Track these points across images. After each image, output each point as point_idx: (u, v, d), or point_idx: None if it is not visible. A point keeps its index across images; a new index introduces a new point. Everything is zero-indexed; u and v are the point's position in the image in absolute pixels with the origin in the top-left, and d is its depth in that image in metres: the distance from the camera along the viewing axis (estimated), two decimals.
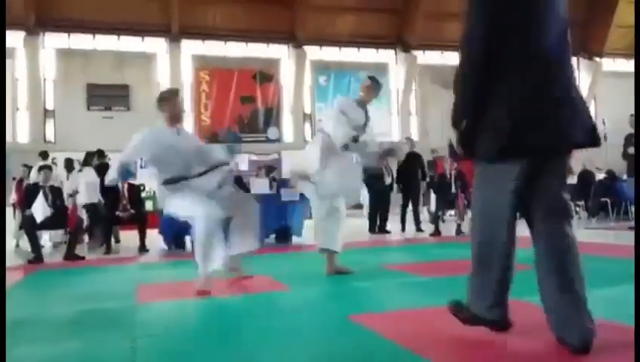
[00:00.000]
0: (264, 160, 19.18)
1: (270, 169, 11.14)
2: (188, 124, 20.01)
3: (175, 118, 4.29)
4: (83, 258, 6.97)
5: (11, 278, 5.18)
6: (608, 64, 23.28)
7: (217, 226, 3.92)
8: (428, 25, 20.92)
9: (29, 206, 6.83)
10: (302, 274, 4.83)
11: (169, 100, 4.29)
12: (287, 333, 2.66)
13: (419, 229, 9.38)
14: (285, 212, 8.81)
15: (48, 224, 7.06)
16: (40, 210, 6.72)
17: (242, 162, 19.31)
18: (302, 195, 9.22)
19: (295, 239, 8.88)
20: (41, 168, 7.37)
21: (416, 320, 2.83)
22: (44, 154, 9.78)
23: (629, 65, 22.88)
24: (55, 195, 7.07)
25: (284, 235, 8.89)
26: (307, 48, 20.63)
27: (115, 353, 2.40)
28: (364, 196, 9.66)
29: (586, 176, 12.25)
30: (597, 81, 22.94)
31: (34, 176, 8.18)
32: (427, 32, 21.02)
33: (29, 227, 6.76)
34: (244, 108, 20.36)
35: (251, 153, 20.08)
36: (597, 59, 23.03)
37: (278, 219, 8.79)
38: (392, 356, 2.22)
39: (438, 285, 3.88)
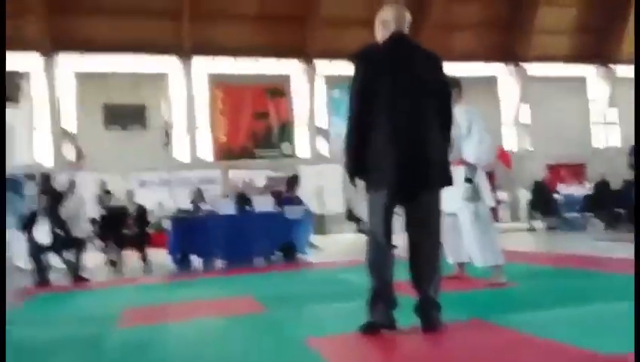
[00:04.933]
0: (281, 176, 19.36)
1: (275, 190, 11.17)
2: (205, 141, 20.32)
3: None
4: (88, 279, 7.12)
5: (14, 302, 5.34)
6: (535, 69, 23.00)
7: None
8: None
9: (29, 230, 7.02)
10: (285, 294, 4.84)
11: None
12: (239, 358, 2.70)
13: None
14: (290, 229, 8.84)
15: (53, 247, 7.24)
16: (44, 232, 6.92)
17: (258, 177, 19.55)
18: (307, 212, 9.31)
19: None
20: (42, 193, 7.58)
21: (374, 343, 2.84)
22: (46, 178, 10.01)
23: (556, 71, 23.04)
24: (57, 218, 7.24)
25: (290, 253, 8.91)
26: (318, 62, 20.75)
27: None
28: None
29: (601, 186, 12.06)
30: (524, 87, 22.85)
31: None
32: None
33: (34, 251, 6.95)
34: (258, 125, 20.53)
35: (268, 169, 20.26)
36: (523, 65, 22.86)
37: (284, 237, 8.82)
38: None
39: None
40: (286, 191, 10.25)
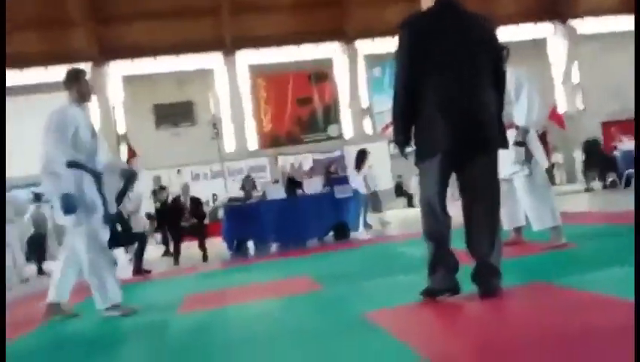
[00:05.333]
0: (326, 157, 19.39)
1: (328, 171, 11.25)
2: (250, 130, 20.56)
3: (84, 97, 4.13)
4: (149, 271, 7.36)
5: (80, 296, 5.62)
6: (584, 26, 21.90)
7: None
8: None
9: None
10: (341, 271, 4.87)
11: (79, 77, 4.11)
12: (299, 336, 2.73)
13: None
14: (341, 209, 8.84)
15: (113, 243, 7.50)
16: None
17: (306, 161, 19.69)
18: (356, 191, 9.28)
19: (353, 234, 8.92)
20: None
21: (435, 311, 2.84)
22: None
23: (606, 26, 21.76)
24: (117, 215, 7.49)
25: (342, 232, 8.91)
26: (358, 42, 20.57)
27: None
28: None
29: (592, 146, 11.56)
30: (574, 46, 21.86)
31: None
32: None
33: None
34: (303, 110, 20.61)
35: (314, 152, 20.35)
36: (573, 21, 21.71)
37: (335, 217, 8.83)
38: (387, 354, 2.22)
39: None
40: (355, 168, 10.31)
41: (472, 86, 2.87)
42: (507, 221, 4.86)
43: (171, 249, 10.10)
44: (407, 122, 2.95)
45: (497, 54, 3.05)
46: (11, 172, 16.12)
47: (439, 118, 2.82)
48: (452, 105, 2.83)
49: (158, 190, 10.71)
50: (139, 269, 7.28)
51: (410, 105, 2.91)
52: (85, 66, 19.29)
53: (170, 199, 9.45)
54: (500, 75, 3.04)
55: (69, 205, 3.72)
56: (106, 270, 3.94)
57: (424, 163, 2.92)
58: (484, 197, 2.94)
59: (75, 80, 4.11)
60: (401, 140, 2.98)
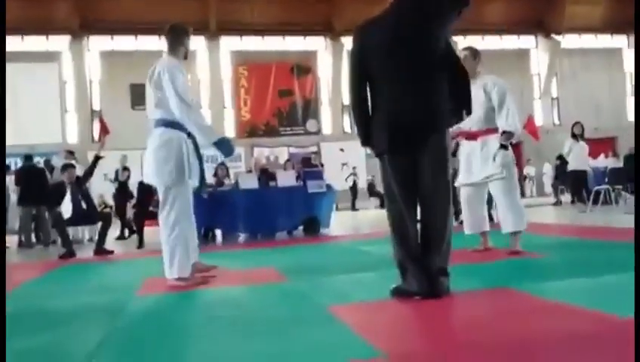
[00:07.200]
0: (303, 152, 19.32)
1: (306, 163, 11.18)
2: (228, 119, 20.36)
3: (186, 55, 4.06)
4: (112, 252, 7.19)
5: (36, 272, 5.47)
6: (568, 42, 22.56)
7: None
8: None
9: (58, 204, 7.11)
10: (307, 265, 4.82)
11: (189, 34, 4.02)
12: (256, 322, 2.67)
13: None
14: (312, 204, 8.79)
15: (78, 220, 7.33)
16: (68, 207, 7.02)
17: (282, 154, 19.57)
18: (329, 186, 9.23)
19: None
20: (64, 167, 7.63)
21: (395, 310, 2.79)
22: (70, 153, 10.10)
23: (589, 43, 22.60)
24: (82, 192, 7.32)
25: (312, 227, 8.86)
26: (344, 39, 20.53)
27: (81, 345, 2.46)
28: None
29: (632, 159, 11.69)
30: (556, 60, 22.38)
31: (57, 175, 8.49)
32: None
33: (59, 224, 7.04)
34: (283, 102, 20.51)
35: (290, 146, 20.25)
36: (555, 36, 22.25)
37: (306, 211, 8.77)
38: (346, 346, 2.18)
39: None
40: None
41: (414, 84, 2.89)
42: (471, 226, 4.89)
43: (126, 234, 9.98)
44: (364, 124, 3.06)
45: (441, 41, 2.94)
46: None
47: (384, 117, 2.94)
48: (396, 104, 2.91)
49: (121, 170, 10.50)
50: (101, 249, 7.11)
51: (363, 108, 3.05)
52: (64, 39, 18.98)
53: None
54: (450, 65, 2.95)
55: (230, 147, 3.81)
56: (193, 240, 3.99)
57: (381, 160, 3.03)
58: (437, 187, 2.92)
59: (186, 36, 4.00)
60: (363, 141, 3.14)
